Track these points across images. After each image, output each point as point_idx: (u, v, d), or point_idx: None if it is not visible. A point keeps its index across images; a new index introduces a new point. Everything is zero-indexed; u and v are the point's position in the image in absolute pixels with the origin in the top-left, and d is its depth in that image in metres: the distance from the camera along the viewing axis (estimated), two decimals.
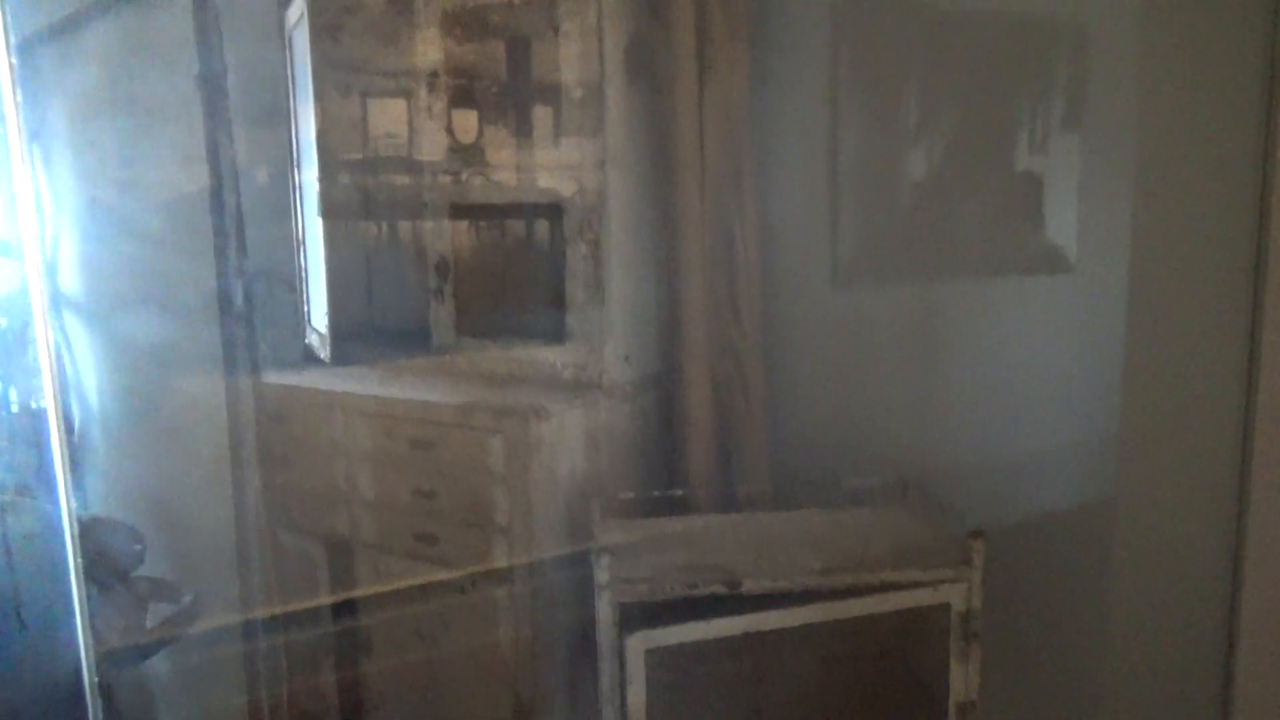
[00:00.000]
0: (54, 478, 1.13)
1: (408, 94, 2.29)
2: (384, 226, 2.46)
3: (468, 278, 2.32)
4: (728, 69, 2.08)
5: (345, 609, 2.15)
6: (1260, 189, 1.64)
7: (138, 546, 1.62)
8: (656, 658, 1.69)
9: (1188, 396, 1.74)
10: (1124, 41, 1.83)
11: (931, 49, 2.06)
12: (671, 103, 2.07)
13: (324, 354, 2.29)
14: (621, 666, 1.71)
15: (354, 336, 2.36)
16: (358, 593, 2.09)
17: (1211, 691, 1.71)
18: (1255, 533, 1.60)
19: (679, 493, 2.10)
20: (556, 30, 2.07)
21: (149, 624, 1.50)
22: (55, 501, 1.13)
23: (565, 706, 2.04)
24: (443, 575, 2.09)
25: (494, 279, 2.36)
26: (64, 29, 1.81)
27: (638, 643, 1.68)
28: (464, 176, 2.23)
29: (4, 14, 1.17)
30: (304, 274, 2.42)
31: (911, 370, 2.15)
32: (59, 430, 1.14)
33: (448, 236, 2.29)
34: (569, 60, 2.06)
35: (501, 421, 2.01)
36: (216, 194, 1.63)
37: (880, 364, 2.19)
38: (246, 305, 1.72)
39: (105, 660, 1.39)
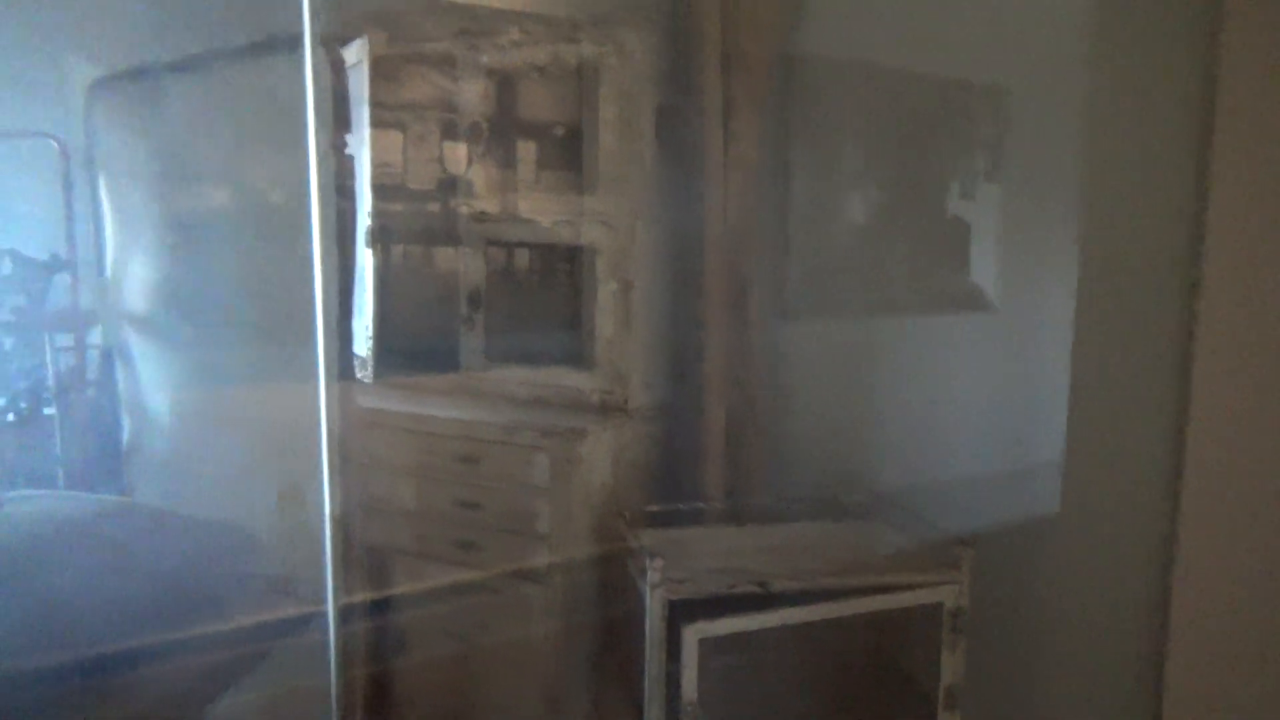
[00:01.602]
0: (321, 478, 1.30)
1: (456, 134, 2.52)
2: (420, 255, 2.65)
3: (498, 307, 2.54)
4: (748, 135, 2.39)
5: (399, 604, 2.34)
6: (1189, 226, 1.87)
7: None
8: (706, 647, 1.96)
9: (1125, 420, 2.10)
10: (1048, 99, 2.15)
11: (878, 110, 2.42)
12: (700, 165, 2.37)
13: (363, 374, 2.46)
14: (674, 656, 1.97)
15: (386, 358, 2.54)
16: (419, 587, 2.27)
17: (1148, 673, 2.09)
18: (1185, 539, 1.99)
19: (699, 506, 2.38)
20: (597, 96, 2.35)
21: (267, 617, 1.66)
22: None
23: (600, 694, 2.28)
24: (482, 575, 2.30)
25: (523, 310, 2.59)
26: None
27: (693, 633, 1.95)
28: (505, 216, 2.47)
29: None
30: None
31: (874, 398, 2.50)
32: (328, 438, 1.30)
33: (483, 269, 2.51)
34: (609, 122, 2.33)
35: (546, 440, 2.25)
36: (328, 219, 1.80)
37: (847, 393, 2.54)
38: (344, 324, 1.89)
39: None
